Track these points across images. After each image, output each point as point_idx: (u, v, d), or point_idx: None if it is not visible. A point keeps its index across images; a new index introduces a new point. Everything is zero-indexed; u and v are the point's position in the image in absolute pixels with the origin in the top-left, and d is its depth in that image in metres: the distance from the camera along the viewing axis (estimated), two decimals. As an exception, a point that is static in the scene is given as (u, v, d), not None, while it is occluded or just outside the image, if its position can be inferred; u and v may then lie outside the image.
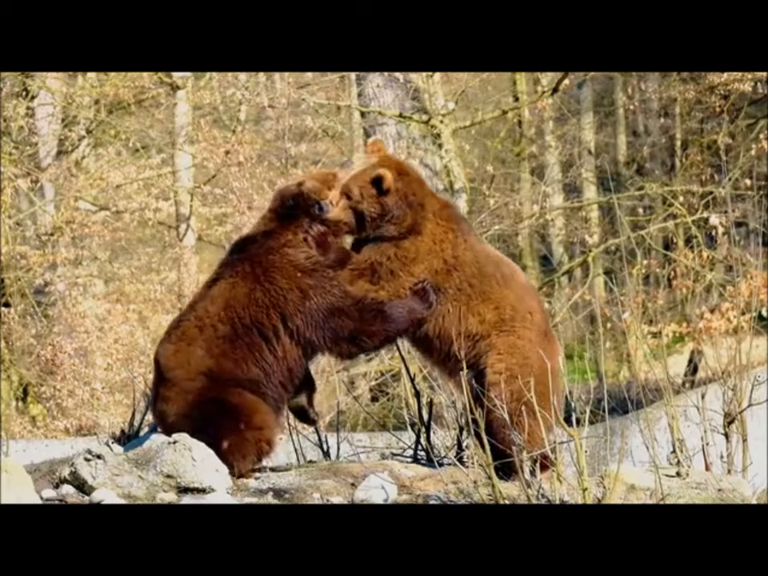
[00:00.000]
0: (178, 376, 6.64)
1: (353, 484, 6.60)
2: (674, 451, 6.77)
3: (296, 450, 7.87)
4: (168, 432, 6.63)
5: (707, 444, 6.93)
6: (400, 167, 6.86)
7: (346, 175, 6.88)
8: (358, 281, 6.73)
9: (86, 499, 6.25)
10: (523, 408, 6.30)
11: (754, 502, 6.42)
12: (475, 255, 6.81)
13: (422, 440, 7.49)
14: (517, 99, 23.21)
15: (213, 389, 6.58)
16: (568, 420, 6.42)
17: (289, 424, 7.99)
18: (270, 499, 6.40)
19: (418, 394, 7.67)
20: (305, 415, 7.06)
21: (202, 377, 6.59)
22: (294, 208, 6.79)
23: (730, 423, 7.00)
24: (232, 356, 6.63)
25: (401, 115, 19.30)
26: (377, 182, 6.72)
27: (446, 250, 6.77)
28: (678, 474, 6.55)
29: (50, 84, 20.53)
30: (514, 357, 6.58)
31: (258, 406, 6.62)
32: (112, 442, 7.10)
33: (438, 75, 19.72)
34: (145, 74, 20.01)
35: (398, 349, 7.64)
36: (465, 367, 6.46)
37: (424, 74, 19.18)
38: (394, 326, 6.72)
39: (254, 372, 6.64)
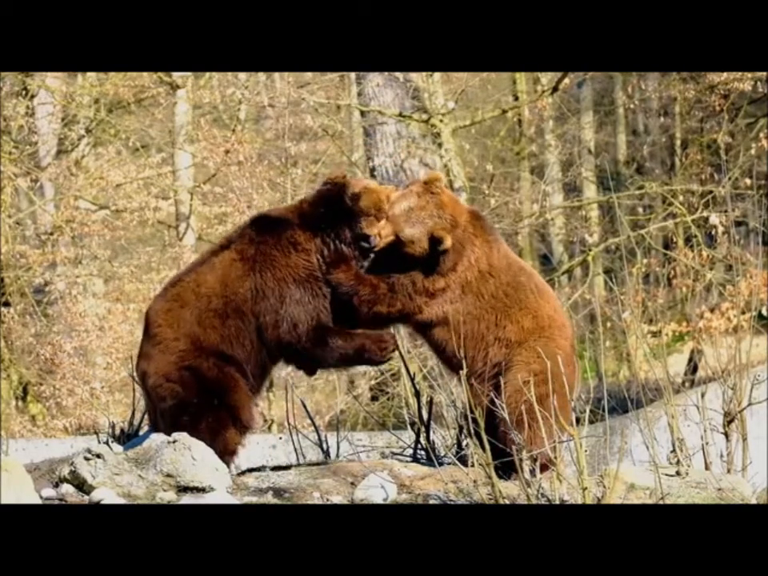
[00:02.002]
0: (163, 334, 6.74)
1: (352, 483, 6.60)
2: (673, 450, 6.77)
3: (296, 449, 7.87)
4: (147, 393, 6.76)
5: (707, 443, 6.93)
6: (453, 216, 6.83)
7: (399, 209, 6.83)
8: (374, 308, 6.76)
9: (85, 498, 6.26)
10: (545, 410, 6.27)
11: (753, 501, 6.43)
12: (509, 264, 6.88)
13: (422, 439, 7.50)
14: (517, 98, 23.19)
15: (194, 355, 6.66)
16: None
17: (289, 423, 8.00)
18: (269, 498, 6.41)
19: (417, 394, 7.67)
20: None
21: (186, 339, 6.68)
22: (332, 217, 6.77)
23: (729, 422, 7.00)
24: (220, 331, 6.72)
25: (401, 114, 19.29)
26: (435, 242, 6.72)
27: (482, 262, 6.81)
28: (678, 474, 6.55)
29: (50, 83, 20.51)
30: (549, 362, 6.55)
31: (235, 384, 6.69)
32: (112, 441, 7.11)
33: (437, 74, 19.71)
34: (144, 73, 19.99)
35: (398, 348, 7.64)
36: (464, 366, 6.47)
37: (424, 73, 19.17)
38: (331, 358, 6.78)
39: (237, 352, 6.72)
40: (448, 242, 6.72)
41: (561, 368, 6.35)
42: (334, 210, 6.77)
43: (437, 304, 6.80)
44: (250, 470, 7.01)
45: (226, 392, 6.64)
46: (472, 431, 6.27)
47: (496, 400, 6.46)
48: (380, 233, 6.74)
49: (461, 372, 6.44)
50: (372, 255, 6.85)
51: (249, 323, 6.72)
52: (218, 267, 6.79)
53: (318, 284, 6.75)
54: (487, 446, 6.09)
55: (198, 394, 6.61)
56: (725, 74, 19.51)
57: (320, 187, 6.92)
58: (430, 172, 7.27)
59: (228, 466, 6.58)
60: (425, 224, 6.75)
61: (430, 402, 7.68)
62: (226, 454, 6.61)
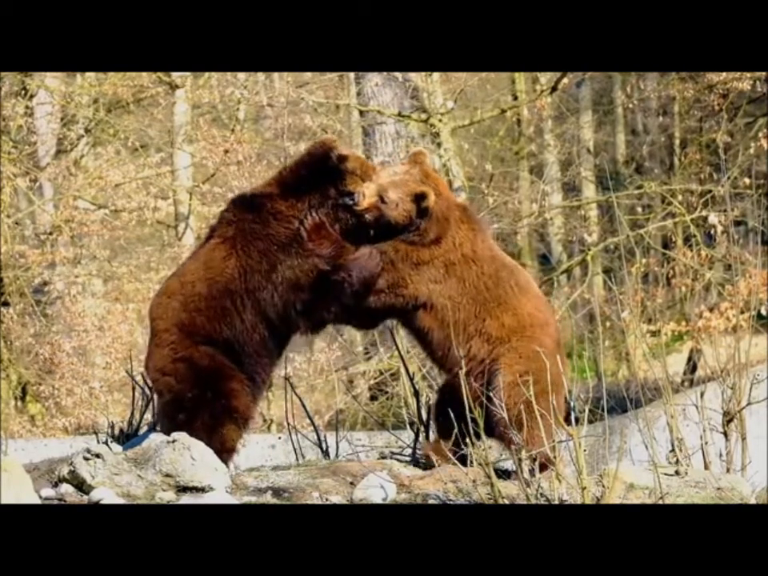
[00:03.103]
0: (157, 327, 6.79)
1: (352, 483, 6.60)
2: (672, 450, 6.78)
3: (295, 449, 7.88)
4: (151, 385, 6.84)
5: (706, 443, 6.93)
6: (437, 186, 6.90)
7: (385, 174, 6.86)
8: None
9: (84, 498, 6.26)
10: (537, 410, 6.26)
11: (752, 500, 6.43)
12: (493, 256, 6.89)
13: (421, 439, 7.50)
14: (516, 98, 23.19)
15: (185, 345, 6.68)
16: (567, 419, 6.42)
17: (288, 423, 8.01)
18: (268, 498, 6.41)
19: (417, 393, 7.68)
20: None
21: (175, 329, 6.71)
22: (316, 178, 6.75)
23: (729, 422, 7.00)
24: (205, 313, 6.73)
25: (400, 114, 19.29)
26: (419, 198, 6.76)
27: (466, 246, 6.83)
28: (677, 473, 6.55)
29: (49, 83, 20.51)
30: (534, 362, 6.55)
31: (228, 372, 6.69)
32: (111, 441, 7.11)
33: (436, 74, 19.71)
34: (143, 73, 19.98)
35: (398, 348, 7.66)
36: (463, 365, 6.47)
37: (423, 73, 19.17)
38: (343, 294, 6.70)
39: (226, 334, 6.72)
40: (431, 198, 6.74)
41: (546, 367, 6.35)
42: (318, 170, 6.75)
43: (422, 280, 6.78)
44: (249, 470, 7.01)
45: (219, 382, 6.63)
46: (471, 430, 6.27)
47: (495, 399, 6.46)
48: (364, 192, 6.75)
49: (459, 372, 6.43)
50: (356, 215, 6.82)
51: (240, 301, 6.69)
52: (201, 255, 6.85)
53: (306, 245, 6.72)
54: (486, 446, 6.08)
55: (194, 386, 6.61)
56: (724, 74, 19.52)
57: (305, 150, 6.95)
58: (415, 148, 7.34)
59: (226, 464, 6.57)
60: (408, 185, 6.80)
61: (429, 402, 7.68)
62: (224, 451, 6.60)
